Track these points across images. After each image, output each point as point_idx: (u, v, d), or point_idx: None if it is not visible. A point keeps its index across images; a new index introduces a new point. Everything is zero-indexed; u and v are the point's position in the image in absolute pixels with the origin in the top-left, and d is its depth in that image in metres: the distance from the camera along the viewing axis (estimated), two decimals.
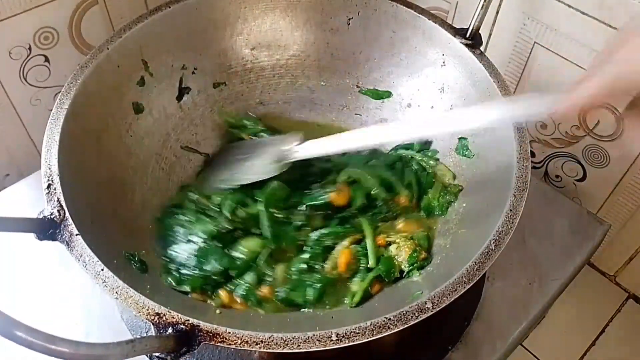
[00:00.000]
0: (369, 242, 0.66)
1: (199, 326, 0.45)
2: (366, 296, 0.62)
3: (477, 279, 0.50)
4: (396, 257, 0.64)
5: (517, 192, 0.56)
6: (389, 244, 0.66)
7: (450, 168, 0.73)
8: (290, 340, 0.45)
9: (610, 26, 0.72)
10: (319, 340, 0.45)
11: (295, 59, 0.84)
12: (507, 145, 0.62)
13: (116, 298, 0.47)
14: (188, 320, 0.45)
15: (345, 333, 0.46)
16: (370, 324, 0.46)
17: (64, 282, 0.70)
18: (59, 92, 0.62)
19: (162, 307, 0.46)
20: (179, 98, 0.77)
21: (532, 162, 0.80)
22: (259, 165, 0.72)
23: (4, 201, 0.79)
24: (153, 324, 0.45)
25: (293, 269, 0.64)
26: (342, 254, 0.65)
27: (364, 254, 0.65)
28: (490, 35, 0.87)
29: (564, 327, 1.03)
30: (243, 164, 0.74)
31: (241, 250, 0.65)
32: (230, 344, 0.44)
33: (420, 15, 0.74)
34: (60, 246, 0.50)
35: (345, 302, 0.62)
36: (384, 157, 0.75)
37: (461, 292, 0.49)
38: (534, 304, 0.71)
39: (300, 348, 0.45)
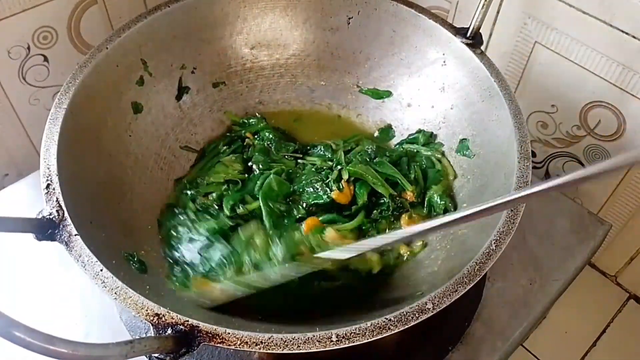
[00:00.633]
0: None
1: (198, 327, 0.45)
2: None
3: (478, 279, 0.50)
4: None
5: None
6: None
7: (450, 167, 0.73)
8: (290, 341, 0.45)
9: (611, 25, 0.72)
10: (319, 341, 0.45)
11: (295, 58, 0.84)
12: (508, 145, 0.62)
13: (115, 298, 0.47)
14: (187, 320, 0.45)
15: (345, 334, 0.45)
16: (370, 325, 0.46)
17: (63, 283, 0.70)
18: (58, 92, 0.61)
19: (161, 307, 0.46)
20: (179, 97, 0.77)
21: (533, 161, 0.79)
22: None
23: (2, 201, 0.78)
24: (152, 325, 0.45)
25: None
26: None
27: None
28: (491, 34, 0.87)
29: (564, 327, 1.03)
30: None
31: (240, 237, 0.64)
32: (229, 345, 0.44)
33: (420, 14, 0.74)
34: (59, 246, 0.50)
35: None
36: (389, 153, 0.74)
37: (462, 293, 0.49)
38: (535, 304, 0.71)
39: (300, 349, 0.45)
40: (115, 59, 0.68)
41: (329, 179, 0.69)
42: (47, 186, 0.53)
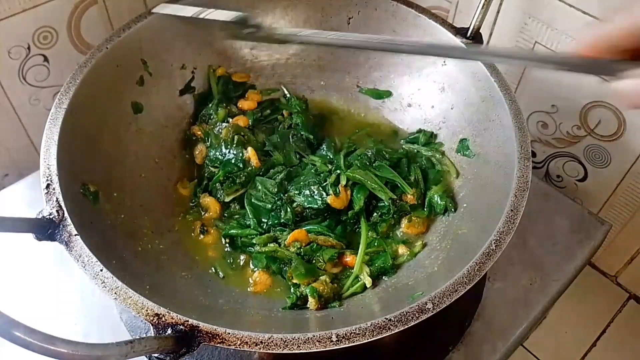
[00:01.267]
0: (360, 250, 0.66)
1: (198, 327, 0.45)
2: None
3: (478, 279, 0.50)
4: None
5: (518, 192, 0.56)
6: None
7: (450, 167, 0.73)
8: (290, 341, 0.45)
9: None
10: (319, 341, 0.45)
11: (295, 58, 0.84)
12: (508, 145, 0.62)
13: (115, 298, 0.47)
14: (187, 320, 0.45)
15: (345, 334, 0.46)
16: (371, 325, 0.46)
17: (63, 283, 0.70)
18: (58, 92, 0.61)
19: (161, 307, 0.46)
20: (182, 93, 0.78)
21: (533, 161, 0.79)
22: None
23: (3, 201, 0.78)
24: (152, 325, 0.45)
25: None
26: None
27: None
28: (491, 34, 0.87)
29: (564, 327, 1.03)
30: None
31: None
32: (229, 345, 0.44)
33: (420, 14, 0.74)
34: (59, 246, 0.50)
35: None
36: (389, 155, 0.74)
37: (462, 293, 0.49)
38: (535, 304, 0.71)
39: (300, 349, 0.45)
40: (116, 59, 0.68)
41: (327, 183, 0.69)
42: (47, 186, 0.54)
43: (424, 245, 0.67)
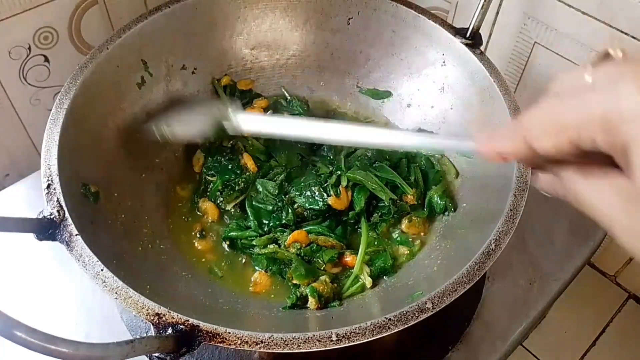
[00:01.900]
0: (361, 250, 0.66)
1: (198, 326, 0.45)
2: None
3: (478, 279, 0.50)
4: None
5: (518, 192, 0.56)
6: None
7: (450, 167, 0.73)
8: (290, 340, 0.45)
9: (610, 26, 0.72)
10: (319, 341, 0.45)
11: (295, 59, 0.84)
12: None
13: (116, 298, 0.47)
14: (188, 320, 0.45)
15: (345, 333, 0.46)
16: (370, 324, 0.46)
17: (64, 282, 0.70)
18: (59, 92, 0.62)
19: (162, 307, 0.46)
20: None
21: None
22: (192, 121, 0.69)
23: (3, 201, 0.78)
24: (153, 324, 0.45)
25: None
26: None
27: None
28: (490, 35, 0.87)
29: (564, 327, 1.03)
30: (180, 116, 0.70)
31: None
32: (230, 344, 0.44)
33: (420, 15, 0.74)
34: (60, 246, 0.50)
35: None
36: (389, 156, 0.74)
37: (461, 293, 0.49)
38: (534, 304, 0.71)
39: (301, 348, 0.45)
40: (116, 60, 0.68)
41: (327, 184, 0.69)
42: (48, 186, 0.54)
43: (424, 245, 0.67)
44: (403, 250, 0.67)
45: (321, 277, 0.64)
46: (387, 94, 0.81)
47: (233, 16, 0.79)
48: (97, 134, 0.65)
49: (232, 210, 0.72)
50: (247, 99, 0.82)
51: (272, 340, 0.45)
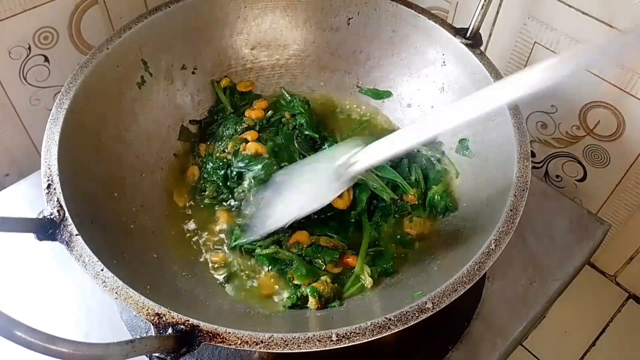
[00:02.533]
0: (362, 250, 0.66)
1: (199, 326, 0.45)
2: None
3: (478, 278, 0.50)
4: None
5: (518, 192, 0.56)
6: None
7: (450, 167, 0.73)
8: (291, 340, 0.45)
9: (610, 26, 0.72)
10: (319, 341, 0.45)
11: (295, 58, 0.84)
12: (508, 145, 0.62)
13: (116, 298, 0.47)
14: (188, 320, 0.45)
15: (346, 333, 0.46)
16: (371, 324, 0.46)
17: (64, 282, 0.70)
18: (59, 92, 0.62)
19: (162, 307, 0.46)
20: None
21: (532, 161, 0.80)
22: (311, 192, 0.66)
23: (3, 201, 0.78)
24: (153, 324, 0.45)
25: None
26: None
27: None
28: (490, 35, 0.87)
29: (564, 327, 1.03)
30: (292, 195, 0.67)
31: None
32: (230, 344, 0.44)
33: (420, 14, 0.74)
34: (60, 246, 0.50)
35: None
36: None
37: (461, 292, 0.49)
38: (534, 303, 0.71)
39: (301, 348, 0.45)
40: (116, 59, 0.68)
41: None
42: (48, 186, 0.54)
43: (424, 245, 0.67)
44: (404, 250, 0.67)
45: (322, 277, 0.64)
46: (387, 94, 0.81)
47: (233, 16, 0.79)
48: (97, 134, 0.65)
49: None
50: (246, 100, 0.82)
51: (272, 340, 0.45)
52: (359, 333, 0.46)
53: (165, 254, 0.65)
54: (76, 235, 0.50)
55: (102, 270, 0.48)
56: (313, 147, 0.78)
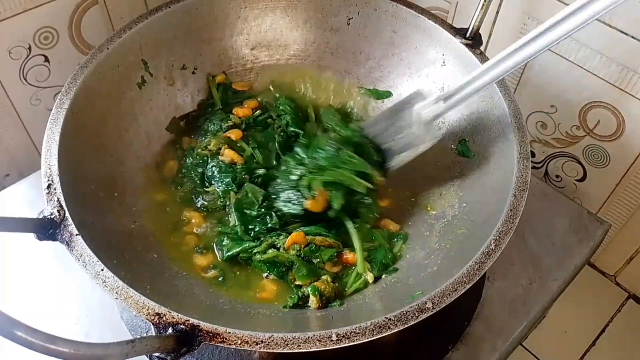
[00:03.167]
0: (357, 247, 0.66)
1: (199, 326, 0.45)
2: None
3: (478, 278, 0.50)
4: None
5: (517, 192, 0.56)
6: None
7: (450, 167, 0.73)
8: (291, 340, 0.45)
9: (610, 26, 0.72)
10: (319, 340, 0.45)
11: (296, 58, 0.84)
12: (507, 145, 0.62)
13: (116, 298, 0.47)
14: (188, 320, 0.45)
15: (346, 333, 0.46)
16: (371, 324, 0.46)
17: (64, 282, 0.70)
18: (59, 92, 0.62)
19: (162, 307, 0.46)
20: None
21: (532, 162, 0.80)
22: (405, 140, 0.67)
23: (4, 201, 0.79)
24: (153, 324, 0.45)
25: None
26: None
27: None
28: (490, 35, 0.87)
29: (564, 327, 1.03)
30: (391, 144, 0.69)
31: None
32: (230, 344, 0.44)
33: (420, 15, 0.74)
34: (60, 246, 0.50)
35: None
36: (351, 134, 0.72)
37: (461, 292, 0.49)
38: (534, 303, 0.71)
39: (301, 348, 0.45)
40: (116, 60, 0.68)
41: (300, 186, 0.68)
42: (48, 186, 0.54)
43: (424, 245, 0.67)
44: (398, 244, 0.68)
45: (323, 277, 0.64)
46: (388, 94, 0.81)
47: (233, 16, 0.79)
48: (97, 134, 0.65)
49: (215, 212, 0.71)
50: (239, 99, 0.82)
51: (272, 340, 0.45)
52: (359, 333, 0.46)
53: (165, 253, 0.65)
54: (76, 235, 0.50)
55: (102, 270, 0.49)
56: (286, 146, 0.77)
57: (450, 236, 0.65)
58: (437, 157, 0.75)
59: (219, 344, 0.44)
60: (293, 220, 0.69)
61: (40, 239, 0.51)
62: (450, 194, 0.70)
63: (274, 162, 0.75)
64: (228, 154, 0.73)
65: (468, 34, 0.70)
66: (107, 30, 0.84)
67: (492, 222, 0.55)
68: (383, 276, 0.65)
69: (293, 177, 0.70)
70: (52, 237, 0.51)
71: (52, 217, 0.51)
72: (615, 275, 1.04)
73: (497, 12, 0.83)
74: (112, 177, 0.66)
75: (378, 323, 0.46)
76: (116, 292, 0.48)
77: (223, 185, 0.71)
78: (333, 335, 0.45)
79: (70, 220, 0.51)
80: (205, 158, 0.73)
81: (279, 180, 0.71)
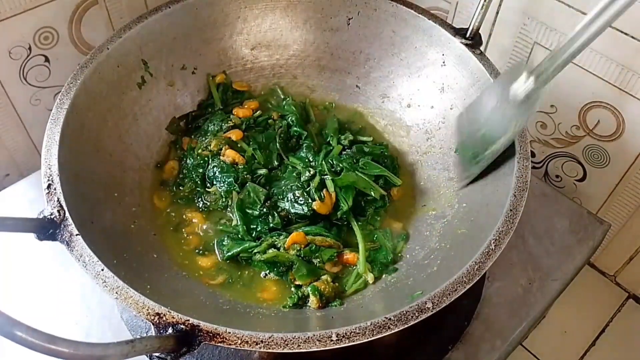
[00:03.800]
0: (361, 249, 0.67)
1: (199, 326, 0.45)
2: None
3: (477, 278, 0.50)
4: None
5: (517, 192, 0.56)
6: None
7: (450, 168, 0.73)
8: (291, 340, 0.45)
9: (610, 26, 0.72)
10: (319, 340, 0.45)
11: (295, 58, 0.84)
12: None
13: (116, 298, 0.47)
14: (188, 320, 0.45)
15: (345, 333, 0.46)
16: (371, 324, 0.46)
17: (64, 282, 0.70)
18: (59, 92, 0.62)
19: (162, 307, 0.46)
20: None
21: (532, 162, 0.80)
22: (499, 121, 0.61)
23: (4, 201, 0.78)
24: (153, 324, 0.45)
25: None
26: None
27: None
28: (490, 35, 0.87)
29: (564, 327, 1.03)
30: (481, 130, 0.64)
31: None
32: (230, 344, 0.44)
33: (420, 15, 0.74)
34: (60, 246, 0.50)
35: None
36: (369, 150, 0.75)
37: (461, 292, 0.49)
38: (534, 303, 0.71)
39: (301, 348, 0.45)
40: (116, 60, 0.68)
41: (310, 187, 0.69)
42: (48, 186, 0.54)
43: (424, 245, 0.67)
44: (399, 244, 0.68)
45: (323, 277, 0.64)
46: (387, 94, 0.81)
47: (233, 16, 0.79)
48: (97, 134, 0.65)
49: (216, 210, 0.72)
50: (239, 99, 0.82)
51: (272, 340, 0.45)
52: (359, 333, 0.46)
53: (165, 253, 0.65)
54: (76, 235, 0.50)
55: (102, 270, 0.49)
56: (291, 148, 0.77)
57: (450, 236, 0.65)
58: (437, 157, 0.75)
59: (219, 344, 0.44)
60: (297, 220, 0.69)
61: (40, 239, 0.51)
62: (450, 194, 0.70)
63: (276, 163, 0.75)
64: (229, 154, 0.72)
65: (468, 34, 0.71)
66: (107, 30, 0.84)
67: (492, 222, 0.55)
68: (383, 276, 0.66)
69: (304, 178, 0.70)
70: (52, 237, 0.51)
71: (52, 217, 0.51)
72: (615, 275, 1.04)
73: (497, 12, 0.83)
74: (112, 177, 0.66)
75: (378, 323, 0.46)
76: (116, 292, 0.48)
77: (225, 185, 0.71)
78: (333, 335, 0.45)
79: (70, 220, 0.51)
80: (206, 158, 0.73)
81: (284, 181, 0.71)
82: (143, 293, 0.47)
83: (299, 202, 0.68)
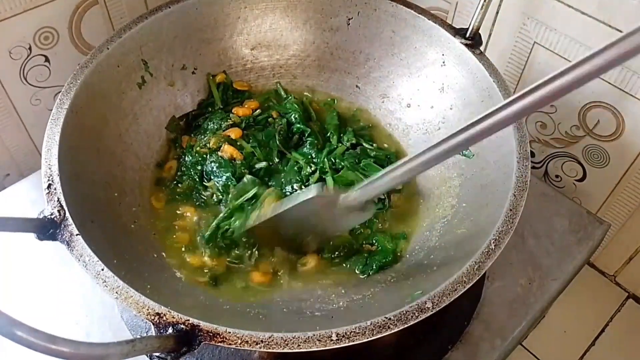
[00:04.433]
0: None
1: (199, 326, 0.45)
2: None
3: (477, 278, 0.50)
4: None
5: (517, 192, 0.56)
6: None
7: (450, 168, 0.73)
8: (291, 340, 0.45)
9: (609, 26, 0.72)
10: (319, 340, 0.45)
11: (295, 59, 0.84)
12: (507, 145, 0.62)
13: (116, 298, 0.47)
14: (188, 320, 0.45)
15: (345, 333, 0.46)
16: (370, 324, 0.46)
17: (64, 282, 0.70)
18: (59, 92, 0.62)
19: (162, 306, 0.46)
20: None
21: (532, 162, 0.80)
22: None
23: (4, 201, 0.79)
24: (153, 324, 0.45)
25: None
26: None
27: None
28: (490, 35, 0.87)
29: (563, 326, 1.03)
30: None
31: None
32: (230, 344, 0.44)
33: (420, 15, 0.74)
34: (61, 246, 0.50)
35: None
36: (373, 153, 0.75)
37: (461, 292, 0.49)
38: (534, 303, 0.71)
39: (301, 348, 0.45)
40: (116, 60, 0.68)
41: (309, 182, 0.69)
42: (49, 186, 0.54)
43: (424, 245, 0.67)
44: (399, 244, 0.68)
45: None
46: (387, 94, 0.81)
47: (233, 16, 0.79)
48: (97, 134, 0.65)
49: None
50: (239, 99, 0.82)
51: (272, 340, 0.45)
52: (358, 333, 0.46)
53: (165, 254, 0.65)
54: (77, 235, 0.50)
55: (102, 270, 0.49)
56: (294, 145, 0.77)
57: (450, 236, 0.65)
58: None
59: (219, 344, 0.44)
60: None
61: (40, 239, 0.51)
62: (450, 193, 0.70)
63: (276, 160, 0.75)
64: (228, 150, 0.72)
65: (468, 34, 0.71)
66: (107, 30, 0.84)
67: (492, 222, 0.55)
68: (383, 276, 0.66)
69: (304, 173, 0.71)
70: (53, 237, 0.51)
71: (52, 217, 0.51)
72: (615, 275, 1.04)
73: (497, 12, 0.83)
74: (112, 177, 0.66)
75: (378, 323, 0.46)
76: (116, 292, 0.48)
77: (223, 180, 0.71)
78: (333, 335, 0.45)
79: (70, 220, 0.51)
80: (205, 156, 0.73)
81: (284, 174, 0.72)
82: (143, 293, 0.47)
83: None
